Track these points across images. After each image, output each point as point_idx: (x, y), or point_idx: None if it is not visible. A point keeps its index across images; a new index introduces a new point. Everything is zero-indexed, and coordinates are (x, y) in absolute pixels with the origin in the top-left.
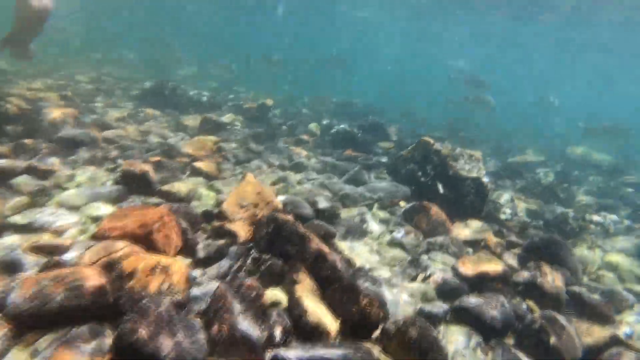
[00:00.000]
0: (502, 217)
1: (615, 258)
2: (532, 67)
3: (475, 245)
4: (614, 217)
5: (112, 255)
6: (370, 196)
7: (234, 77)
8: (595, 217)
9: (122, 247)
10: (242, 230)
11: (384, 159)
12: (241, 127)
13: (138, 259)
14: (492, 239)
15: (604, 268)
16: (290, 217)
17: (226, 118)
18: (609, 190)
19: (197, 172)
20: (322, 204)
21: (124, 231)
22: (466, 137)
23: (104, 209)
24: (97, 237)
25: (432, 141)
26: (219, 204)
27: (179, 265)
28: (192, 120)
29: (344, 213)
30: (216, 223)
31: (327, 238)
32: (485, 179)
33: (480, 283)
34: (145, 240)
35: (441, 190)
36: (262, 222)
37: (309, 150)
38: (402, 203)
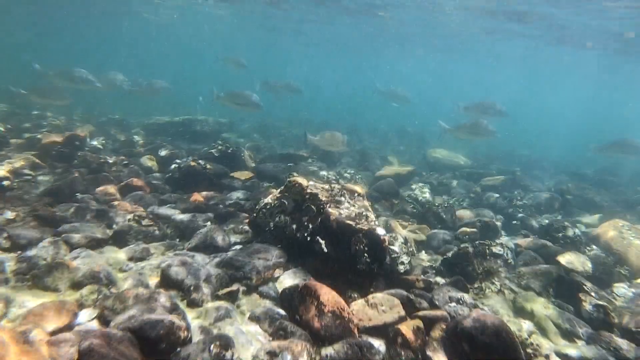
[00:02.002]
0: (401, 268)
1: (529, 304)
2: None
3: (387, 336)
4: (510, 244)
5: None
6: (232, 275)
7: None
8: (496, 250)
9: None
10: None
11: (241, 194)
12: (34, 176)
13: None
14: (408, 329)
15: (520, 316)
16: None
17: (5, 168)
18: (479, 199)
19: None
20: (158, 327)
21: None
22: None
23: None
24: None
25: (304, 183)
26: None
27: None
28: None
29: (195, 323)
30: None
31: None
32: (379, 231)
33: None
34: None
35: (325, 249)
36: None
37: (141, 200)
38: (277, 272)
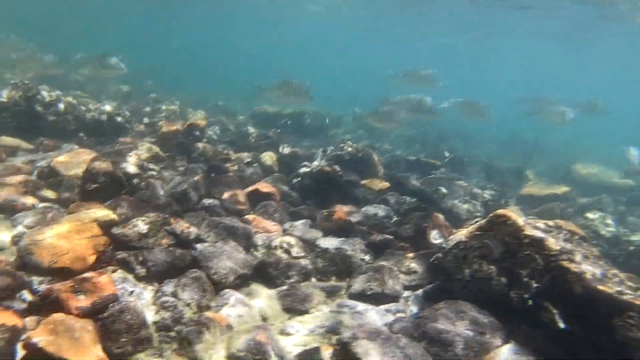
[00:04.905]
0: None
1: None
2: None
3: None
4: None
5: None
6: (436, 354)
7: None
8: None
9: None
10: None
11: (382, 211)
12: (158, 172)
13: None
14: None
15: None
16: None
17: (133, 162)
18: None
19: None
20: None
21: None
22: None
23: None
24: None
25: (519, 220)
26: None
27: None
28: (75, 160)
29: None
30: None
31: None
32: None
33: None
34: None
35: (560, 323)
36: None
37: (275, 213)
38: (496, 353)
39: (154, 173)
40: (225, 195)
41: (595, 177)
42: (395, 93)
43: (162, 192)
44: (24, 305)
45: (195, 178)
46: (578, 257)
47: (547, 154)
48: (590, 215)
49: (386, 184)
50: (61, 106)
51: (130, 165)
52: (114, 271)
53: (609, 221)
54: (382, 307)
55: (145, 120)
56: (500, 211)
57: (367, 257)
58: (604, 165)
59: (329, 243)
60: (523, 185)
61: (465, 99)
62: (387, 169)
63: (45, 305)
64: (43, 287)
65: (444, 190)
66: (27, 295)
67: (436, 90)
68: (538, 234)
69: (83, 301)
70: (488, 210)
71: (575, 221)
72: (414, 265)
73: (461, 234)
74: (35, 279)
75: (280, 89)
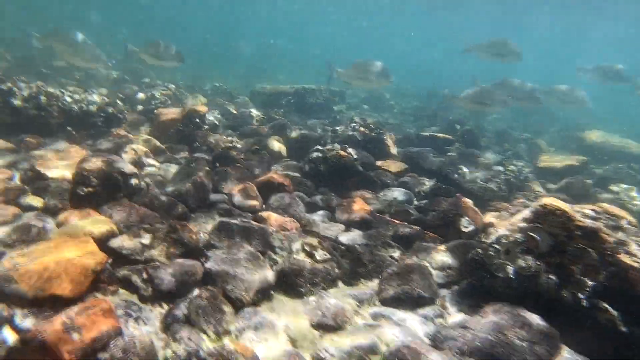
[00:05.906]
0: None
1: None
2: None
3: None
4: None
5: None
6: None
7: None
8: None
9: None
10: None
11: (401, 195)
12: (158, 168)
13: None
14: None
15: None
16: None
17: (130, 158)
18: None
19: None
20: None
21: None
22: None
23: None
24: None
25: (569, 211)
26: None
27: None
28: (63, 159)
29: None
30: None
31: None
32: None
33: None
34: None
35: (621, 326)
36: None
37: (290, 207)
38: None
39: (154, 169)
40: (235, 189)
41: (602, 144)
42: (477, 71)
43: (164, 192)
44: (2, 350)
45: (201, 172)
46: (634, 248)
47: (555, 122)
48: (614, 187)
49: (403, 165)
50: (43, 98)
51: (127, 163)
52: (114, 292)
53: (634, 194)
54: (420, 311)
55: (139, 107)
56: (546, 200)
57: (396, 254)
58: (616, 133)
59: (353, 239)
60: (537, 156)
61: (554, 85)
62: (400, 147)
63: (31, 352)
64: (28, 324)
65: (464, 168)
66: (8, 334)
67: (518, 63)
68: (590, 223)
69: (77, 342)
70: (511, 188)
71: (599, 195)
72: (446, 259)
73: (502, 226)
74: (19, 312)
75: (358, 70)
